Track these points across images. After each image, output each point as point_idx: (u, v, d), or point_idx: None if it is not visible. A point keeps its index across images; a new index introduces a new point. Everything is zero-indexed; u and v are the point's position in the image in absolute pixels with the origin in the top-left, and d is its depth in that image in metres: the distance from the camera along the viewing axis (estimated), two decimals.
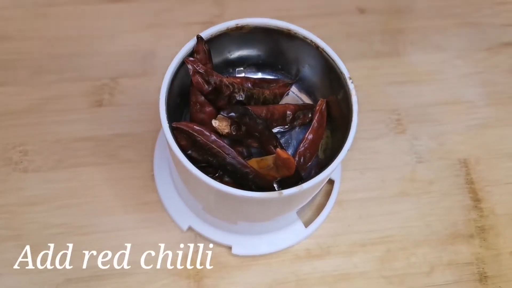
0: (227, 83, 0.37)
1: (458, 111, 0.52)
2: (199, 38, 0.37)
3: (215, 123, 0.35)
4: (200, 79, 0.36)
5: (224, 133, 0.35)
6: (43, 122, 0.48)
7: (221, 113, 0.35)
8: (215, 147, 0.34)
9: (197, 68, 0.36)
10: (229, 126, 0.35)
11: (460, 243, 0.46)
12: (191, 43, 0.37)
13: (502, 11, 0.58)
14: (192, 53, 0.38)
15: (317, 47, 0.38)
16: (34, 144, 0.47)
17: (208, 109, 0.37)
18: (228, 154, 0.34)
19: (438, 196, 0.48)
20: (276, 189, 0.37)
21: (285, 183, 0.35)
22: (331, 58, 0.38)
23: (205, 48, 0.37)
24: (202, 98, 0.37)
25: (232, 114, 0.35)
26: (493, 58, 0.56)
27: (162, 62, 0.52)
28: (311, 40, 0.38)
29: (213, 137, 0.34)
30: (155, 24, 0.55)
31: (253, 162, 0.35)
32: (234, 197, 0.33)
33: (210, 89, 0.36)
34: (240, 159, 0.34)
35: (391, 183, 0.48)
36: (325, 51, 0.38)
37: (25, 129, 0.48)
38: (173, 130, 0.35)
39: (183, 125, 0.34)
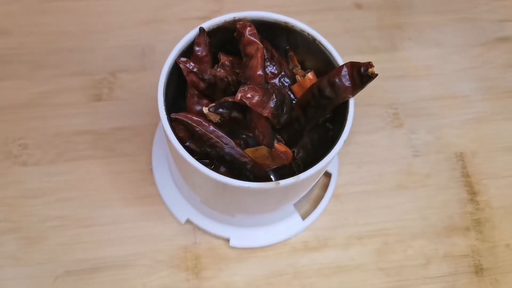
0: (221, 77, 0.37)
1: (454, 106, 0.53)
2: (201, 30, 0.37)
3: (205, 110, 0.35)
4: (194, 78, 0.36)
5: (216, 121, 0.35)
6: (43, 116, 0.49)
7: (209, 109, 0.35)
8: (213, 137, 0.34)
9: (190, 68, 0.36)
10: (219, 116, 0.35)
11: (456, 236, 0.47)
12: (189, 36, 0.38)
13: (498, 6, 0.59)
14: (190, 46, 0.38)
15: (314, 40, 0.39)
16: (34, 138, 0.48)
17: (205, 101, 0.38)
18: (226, 144, 0.35)
19: (434, 189, 0.48)
20: (273, 180, 0.37)
21: (282, 174, 0.36)
22: (328, 51, 0.38)
23: (206, 40, 0.37)
24: (197, 93, 0.37)
25: (221, 110, 0.35)
26: (489, 53, 0.56)
27: (161, 57, 0.53)
28: (308, 33, 0.39)
29: (212, 127, 0.35)
30: (154, 19, 0.55)
31: (248, 152, 0.35)
32: (232, 187, 0.34)
33: (205, 86, 0.37)
34: (238, 149, 0.35)
35: (388, 177, 0.49)
36: (322, 44, 0.39)
37: (25, 123, 0.48)
38: (171, 122, 0.35)
39: (181, 115, 0.34)
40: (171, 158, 0.42)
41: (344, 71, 0.35)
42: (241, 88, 0.34)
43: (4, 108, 0.49)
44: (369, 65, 0.34)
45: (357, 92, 0.36)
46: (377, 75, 0.34)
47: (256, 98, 0.34)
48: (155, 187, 0.46)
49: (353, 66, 0.35)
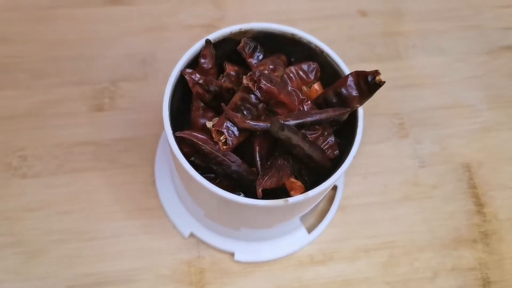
0: (227, 88, 0.36)
1: (460, 115, 0.52)
2: (208, 42, 0.37)
3: (209, 124, 0.35)
4: (200, 90, 0.35)
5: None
6: (43, 127, 0.48)
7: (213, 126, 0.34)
8: (219, 155, 0.34)
9: (196, 79, 0.35)
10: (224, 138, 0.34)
11: (463, 248, 0.46)
12: (195, 48, 0.37)
13: (503, 14, 0.58)
14: (195, 58, 0.37)
15: (321, 52, 0.38)
16: (34, 149, 0.47)
17: (210, 114, 0.37)
18: (233, 162, 0.34)
19: (441, 200, 0.48)
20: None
21: None
22: (335, 62, 0.38)
23: (212, 52, 0.37)
24: (203, 105, 0.37)
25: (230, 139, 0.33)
26: (494, 61, 0.55)
27: (163, 65, 0.52)
28: (315, 45, 0.38)
29: (218, 145, 0.34)
30: (155, 27, 0.54)
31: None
32: (238, 204, 0.33)
33: (211, 97, 0.36)
34: (246, 166, 0.34)
35: (394, 188, 0.48)
36: (329, 56, 0.38)
37: (25, 134, 0.47)
38: (177, 137, 0.34)
39: (186, 134, 0.34)
40: (174, 170, 0.41)
41: (350, 81, 0.35)
42: (258, 184, 0.32)
43: (3, 119, 0.48)
44: (375, 73, 0.34)
45: (365, 101, 0.35)
46: (384, 82, 0.34)
47: (274, 180, 0.33)
48: (158, 200, 0.46)
49: (359, 75, 0.35)
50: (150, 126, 0.49)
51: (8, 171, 0.46)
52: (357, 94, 0.35)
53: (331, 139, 0.36)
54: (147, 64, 0.52)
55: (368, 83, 0.34)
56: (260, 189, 0.32)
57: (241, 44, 0.37)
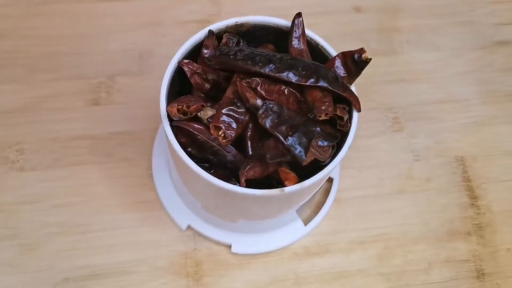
0: (225, 76, 0.36)
1: (454, 109, 0.53)
2: (211, 33, 0.37)
3: (200, 114, 0.35)
4: (198, 79, 0.36)
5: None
6: (40, 121, 0.48)
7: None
8: (215, 145, 0.34)
9: (194, 69, 0.35)
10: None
11: (457, 240, 0.46)
12: (193, 39, 0.37)
13: (497, 10, 0.59)
14: (192, 51, 0.37)
15: (316, 45, 0.38)
16: (31, 143, 0.47)
17: (209, 104, 0.37)
18: (229, 152, 0.34)
19: (435, 193, 0.48)
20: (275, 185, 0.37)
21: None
22: (330, 55, 0.38)
23: (215, 43, 0.37)
24: (202, 95, 0.37)
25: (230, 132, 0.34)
26: (488, 56, 0.56)
27: (159, 60, 0.52)
28: (310, 38, 0.38)
29: (218, 140, 0.34)
30: (151, 22, 0.54)
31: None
32: (234, 194, 0.33)
33: (209, 86, 0.36)
34: (241, 156, 0.34)
35: (388, 181, 0.48)
36: (324, 49, 0.38)
37: (22, 128, 0.48)
38: (173, 127, 0.35)
39: (183, 124, 0.34)
40: (171, 163, 0.42)
41: (338, 62, 0.36)
42: (240, 175, 0.33)
43: (0, 113, 0.48)
44: (361, 51, 0.35)
45: (354, 80, 0.37)
46: (370, 59, 0.35)
47: (258, 170, 0.33)
48: (155, 193, 0.46)
49: (345, 55, 0.36)
50: (147, 120, 0.49)
51: (5, 164, 0.46)
52: (346, 74, 0.36)
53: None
54: (143, 59, 0.52)
55: (355, 62, 0.35)
56: (243, 179, 0.32)
57: (224, 40, 0.38)
